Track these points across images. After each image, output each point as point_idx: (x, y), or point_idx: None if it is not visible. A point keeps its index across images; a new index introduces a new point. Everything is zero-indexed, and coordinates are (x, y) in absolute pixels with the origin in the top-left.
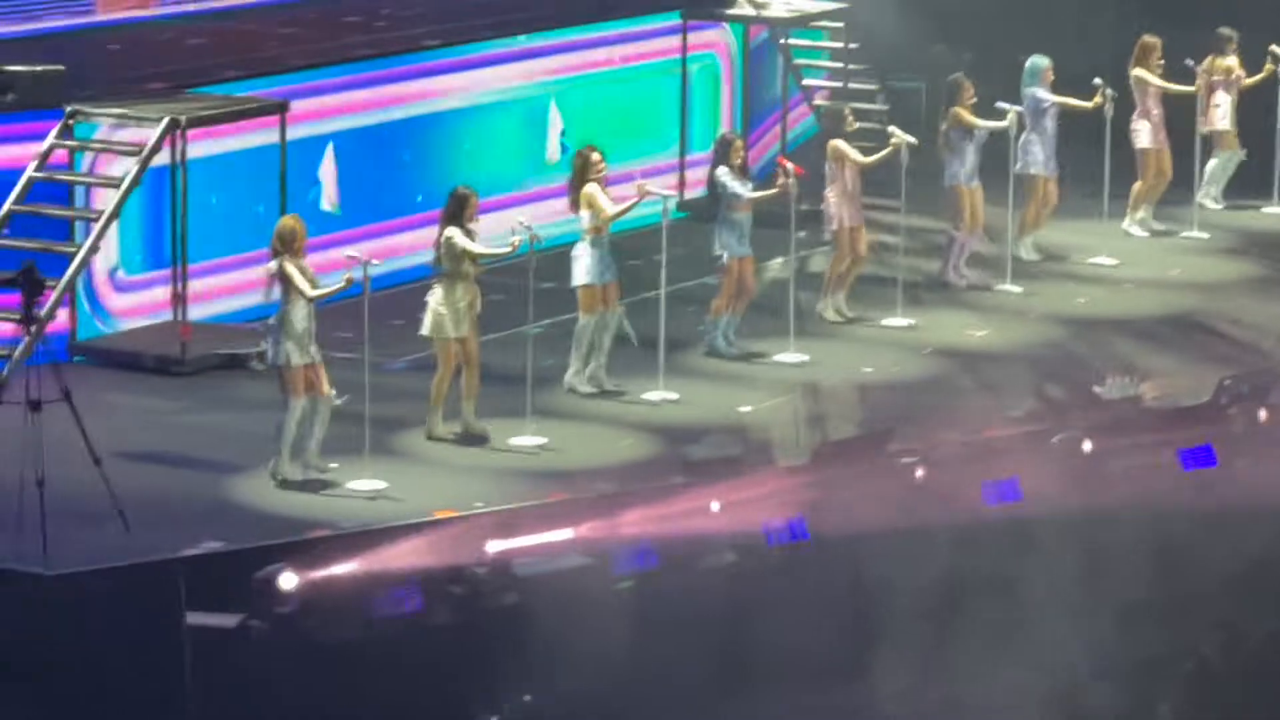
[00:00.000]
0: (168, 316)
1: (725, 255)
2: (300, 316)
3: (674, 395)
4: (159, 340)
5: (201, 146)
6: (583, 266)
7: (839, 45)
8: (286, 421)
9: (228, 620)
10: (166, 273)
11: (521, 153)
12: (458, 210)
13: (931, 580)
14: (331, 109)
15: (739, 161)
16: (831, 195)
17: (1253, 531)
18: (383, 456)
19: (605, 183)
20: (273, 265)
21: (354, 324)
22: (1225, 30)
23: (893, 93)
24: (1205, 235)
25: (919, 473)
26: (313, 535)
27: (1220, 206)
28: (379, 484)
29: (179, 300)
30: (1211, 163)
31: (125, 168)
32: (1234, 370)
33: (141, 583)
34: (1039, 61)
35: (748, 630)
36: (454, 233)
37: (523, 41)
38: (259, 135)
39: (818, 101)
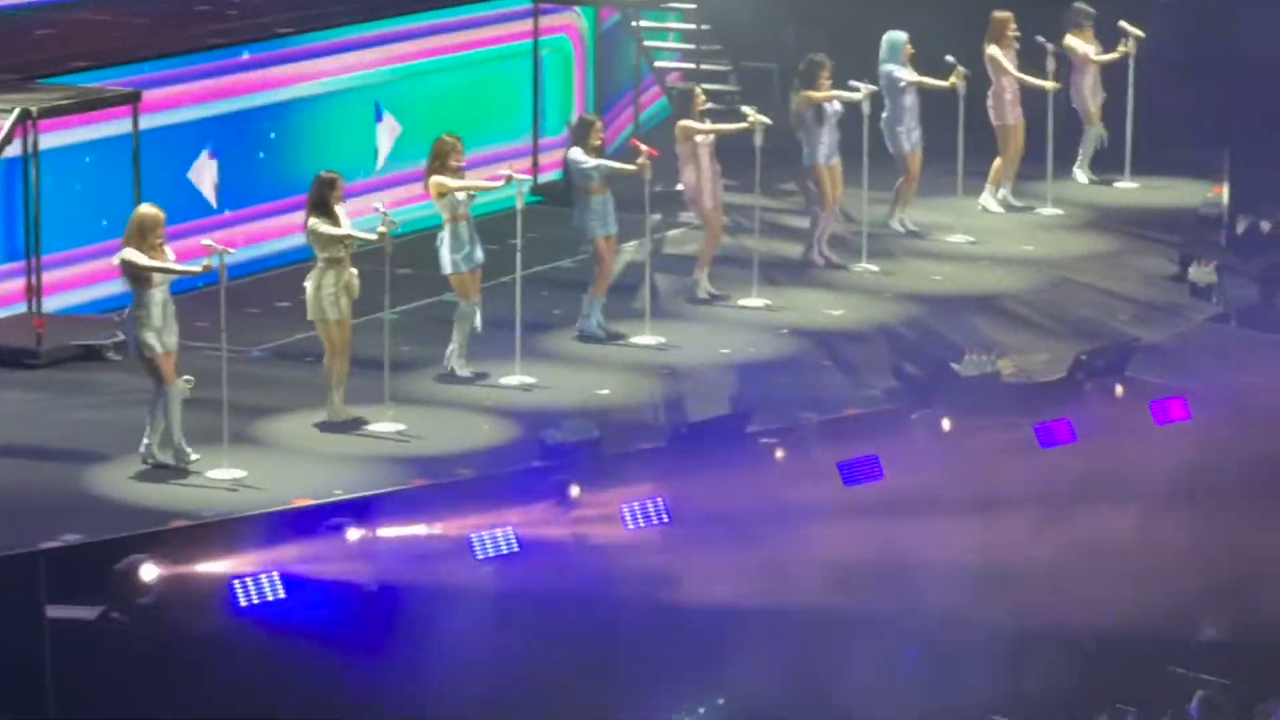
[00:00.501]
0: (22, 309)
1: (588, 238)
2: (156, 304)
3: (532, 379)
4: (14, 332)
5: (54, 137)
6: (445, 254)
7: (691, 27)
8: (170, 406)
9: (88, 612)
10: (20, 265)
11: (374, 138)
12: (323, 195)
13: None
14: (185, 98)
15: (598, 143)
16: (687, 176)
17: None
18: (242, 445)
19: (462, 172)
20: (118, 255)
21: (211, 312)
22: (1082, 6)
23: (745, 74)
24: (1060, 211)
25: (778, 453)
26: (173, 526)
27: (1086, 181)
28: (238, 473)
29: (33, 292)
30: (1086, 137)
31: None
32: (1090, 345)
33: (1, 576)
34: (896, 37)
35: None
36: (316, 221)
37: (376, 27)
38: (112, 125)
39: (670, 84)
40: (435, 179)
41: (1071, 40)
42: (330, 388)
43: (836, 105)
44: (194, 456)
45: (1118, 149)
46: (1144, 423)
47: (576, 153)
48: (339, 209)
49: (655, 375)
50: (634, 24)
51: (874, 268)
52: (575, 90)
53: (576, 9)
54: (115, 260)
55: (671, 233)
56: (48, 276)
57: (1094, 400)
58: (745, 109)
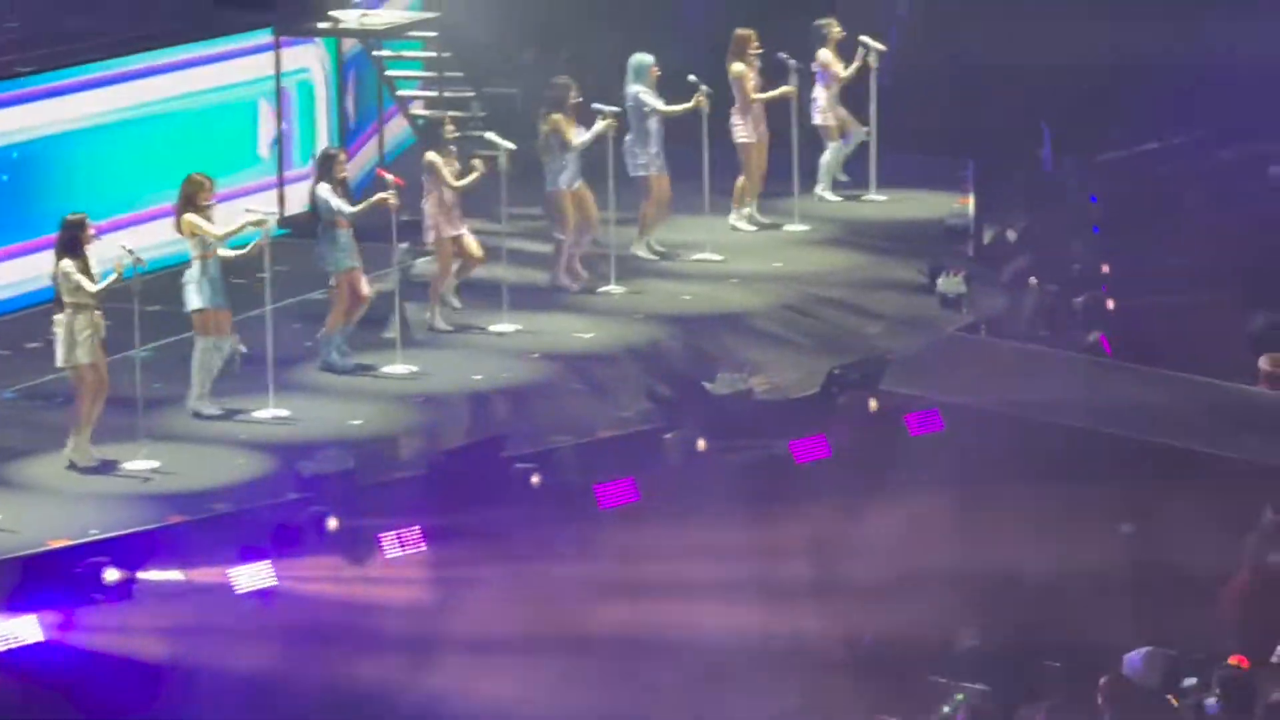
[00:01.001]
0: None
1: (332, 271)
2: None
3: (285, 412)
4: None
5: None
6: (194, 291)
7: (432, 55)
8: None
9: None
10: None
11: (124, 176)
12: (74, 237)
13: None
14: None
15: (341, 176)
16: (428, 206)
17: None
18: None
19: (211, 210)
20: None
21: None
22: (823, 21)
23: (488, 100)
24: (807, 227)
25: (534, 478)
26: None
27: (835, 199)
28: None
29: None
30: (824, 156)
31: None
32: (843, 360)
33: None
34: (642, 59)
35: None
36: (69, 266)
37: (118, 65)
38: None
39: (414, 111)
40: (188, 218)
41: (826, 55)
42: (75, 430)
43: (585, 134)
44: None
45: (863, 163)
46: (899, 434)
47: (324, 189)
48: (89, 250)
49: (409, 404)
50: (375, 54)
51: (621, 289)
52: (319, 122)
53: (318, 41)
54: (58, 268)
55: (420, 260)
56: None
57: (848, 414)
58: (488, 135)
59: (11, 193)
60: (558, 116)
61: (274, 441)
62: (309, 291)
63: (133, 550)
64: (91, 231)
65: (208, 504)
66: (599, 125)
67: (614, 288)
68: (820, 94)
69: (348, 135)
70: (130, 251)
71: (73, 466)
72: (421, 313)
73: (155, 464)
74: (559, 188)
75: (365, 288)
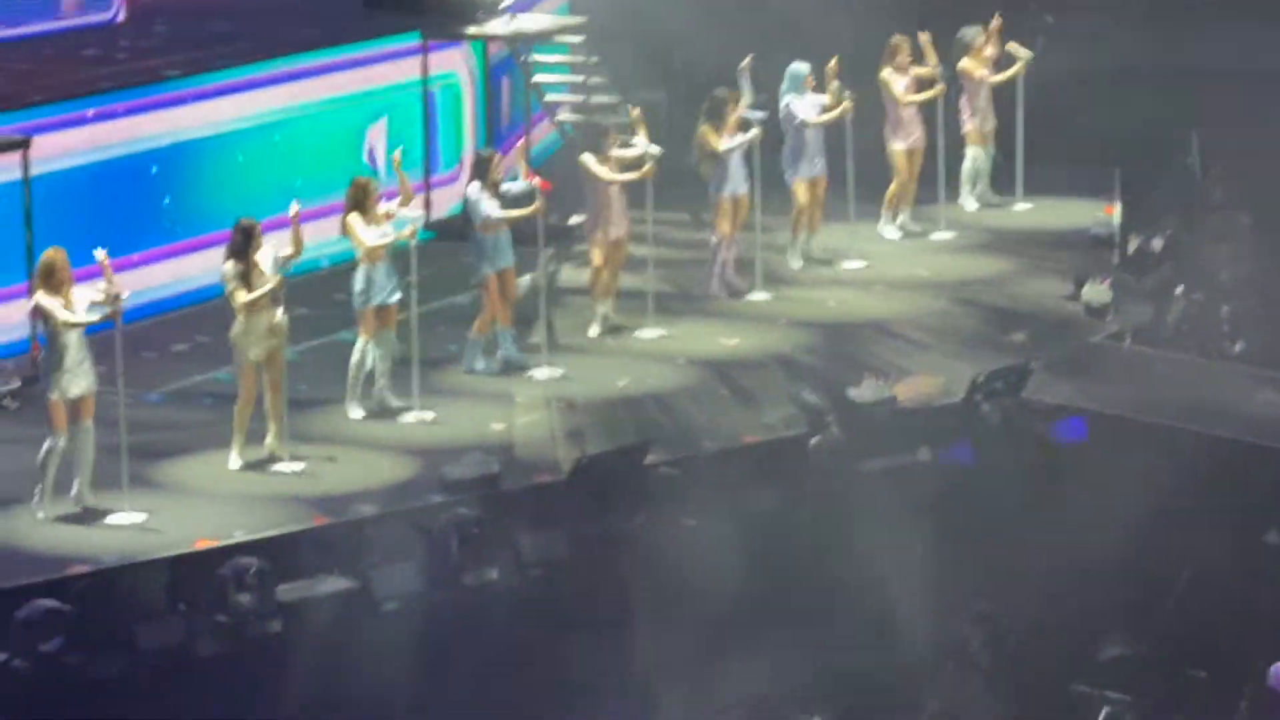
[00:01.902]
0: None
1: (482, 274)
2: (71, 347)
3: (430, 415)
4: None
5: None
6: (357, 290)
7: (579, 59)
8: (47, 457)
9: None
10: None
11: (268, 180)
12: (240, 243)
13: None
14: (76, 142)
15: (497, 178)
16: (592, 211)
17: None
18: (142, 489)
19: (376, 207)
20: (31, 300)
21: (108, 356)
22: (972, 29)
23: (636, 105)
24: (953, 234)
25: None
26: (73, 572)
27: (976, 207)
28: (138, 516)
29: None
30: (965, 163)
31: None
32: (986, 367)
33: None
34: (798, 69)
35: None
36: (229, 270)
37: (264, 68)
38: (3, 171)
39: (561, 116)
40: (349, 220)
41: (967, 63)
42: (234, 432)
43: (732, 141)
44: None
45: (1009, 171)
46: (1043, 443)
47: (474, 190)
48: (259, 255)
49: (554, 408)
50: (522, 59)
51: (766, 295)
52: (466, 126)
53: (466, 45)
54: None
55: (567, 265)
56: None
57: (992, 422)
58: (635, 140)
59: (156, 198)
60: (705, 126)
61: (418, 445)
62: (452, 295)
63: (277, 551)
64: (260, 238)
65: (352, 506)
66: (748, 134)
67: (760, 294)
68: (964, 102)
69: (494, 140)
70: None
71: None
72: (568, 317)
73: (300, 466)
74: (722, 194)
75: (512, 288)
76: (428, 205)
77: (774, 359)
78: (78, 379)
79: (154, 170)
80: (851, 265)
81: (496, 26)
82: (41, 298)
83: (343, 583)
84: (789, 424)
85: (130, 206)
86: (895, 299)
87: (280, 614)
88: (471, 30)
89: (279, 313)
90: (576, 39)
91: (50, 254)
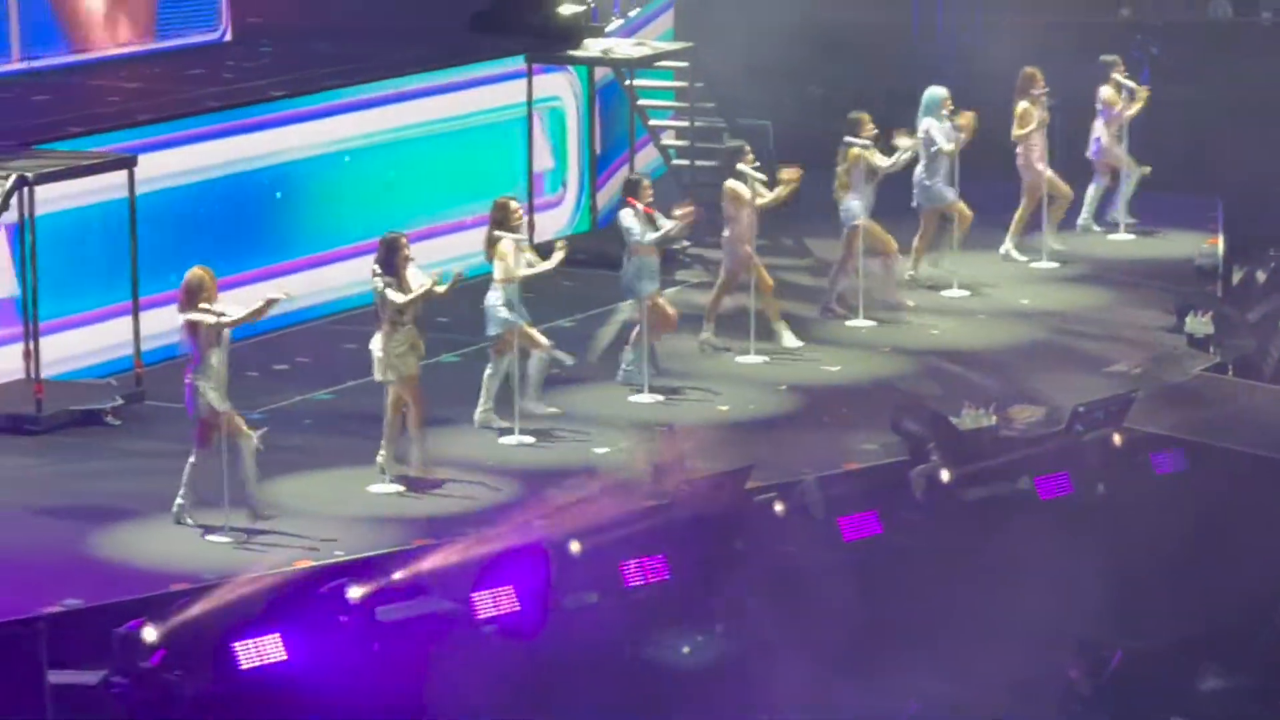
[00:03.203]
0: (20, 375)
1: (632, 298)
2: (218, 362)
3: (530, 439)
4: (13, 398)
5: (51, 203)
6: (493, 315)
7: (684, 85)
8: (192, 472)
9: (90, 677)
10: (18, 330)
11: (377, 200)
12: (388, 257)
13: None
14: (182, 162)
15: (649, 199)
16: (732, 233)
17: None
18: (243, 507)
19: (517, 230)
20: (181, 317)
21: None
22: (1107, 58)
23: (739, 131)
24: (1055, 264)
25: (777, 508)
26: (173, 589)
27: (1098, 229)
28: (239, 535)
29: (31, 357)
30: (1090, 190)
31: None
32: (1088, 397)
33: (2, 643)
34: (937, 93)
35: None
36: (379, 282)
37: (370, 90)
38: (109, 190)
39: (665, 141)
40: (503, 245)
41: (1108, 92)
42: (385, 441)
43: (882, 162)
44: (270, 515)
45: (1112, 201)
46: (1143, 473)
47: (627, 215)
48: (407, 271)
49: (656, 433)
50: (627, 83)
51: (869, 323)
52: (570, 149)
53: (570, 69)
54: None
55: (667, 290)
56: (46, 341)
57: (1092, 452)
58: (741, 166)
59: (260, 218)
60: (856, 151)
61: (520, 468)
62: (558, 318)
63: (376, 572)
64: (406, 251)
65: (453, 529)
66: (903, 154)
67: (862, 321)
68: (1100, 130)
69: (598, 163)
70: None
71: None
72: (669, 342)
73: (401, 487)
74: (857, 221)
75: (670, 309)
76: (531, 228)
77: (876, 386)
78: (225, 395)
79: (258, 191)
80: (954, 294)
81: (601, 51)
82: (191, 313)
83: (443, 604)
84: (890, 452)
85: (234, 226)
86: (997, 328)
87: (380, 634)
88: (576, 54)
89: (414, 330)
90: (682, 64)
91: (197, 271)
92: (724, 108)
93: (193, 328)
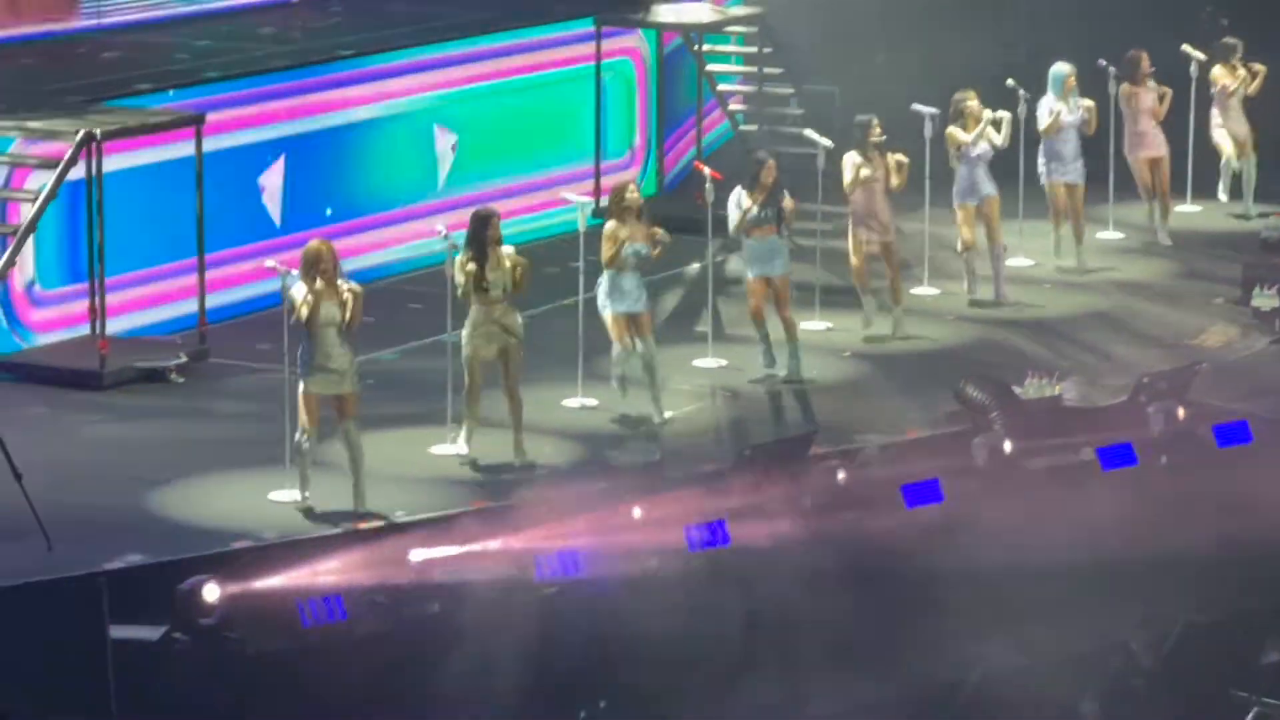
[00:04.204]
0: (86, 330)
1: (748, 275)
2: (324, 343)
3: (593, 401)
4: (77, 355)
5: (118, 159)
6: (600, 297)
7: (753, 50)
8: (296, 450)
9: (151, 633)
10: (84, 286)
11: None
12: (473, 234)
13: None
14: (250, 120)
15: (768, 182)
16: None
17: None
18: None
19: (638, 215)
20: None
21: (274, 335)
22: (1229, 40)
23: (807, 97)
24: (1121, 234)
25: (840, 475)
26: (235, 546)
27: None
28: (300, 495)
29: (97, 314)
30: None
31: (41, 181)
32: (1151, 369)
33: (64, 597)
34: (1059, 69)
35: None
36: (458, 261)
37: (438, 50)
38: (177, 148)
39: (733, 106)
40: (609, 227)
41: (1220, 73)
42: (468, 417)
43: (984, 146)
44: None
45: (1181, 172)
46: (1207, 445)
47: (735, 195)
48: (502, 249)
49: (718, 398)
50: (695, 48)
51: (934, 290)
52: (638, 113)
53: (639, 32)
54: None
55: (734, 255)
56: (112, 298)
57: (1157, 422)
58: (806, 132)
59: (335, 174)
60: (952, 128)
61: (582, 430)
62: None
63: (434, 533)
64: (496, 231)
65: (513, 490)
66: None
67: (927, 289)
68: (1215, 111)
69: (666, 128)
70: (446, 235)
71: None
72: (732, 308)
73: (464, 449)
74: (964, 200)
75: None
76: (597, 192)
77: (939, 353)
78: (328, 377)
79: (326, 147)
80: (1020, 263)
81: (671, 15)
82: (290, 287)
83: (503, 567)
84: (953, 419)
85: (299, 185)
86: (1063, 298)
87: (438, 595)
88: (646, 18)
89: (513, 312)
90: (751, 29)
91: (314, 244)
92: (792, 74)
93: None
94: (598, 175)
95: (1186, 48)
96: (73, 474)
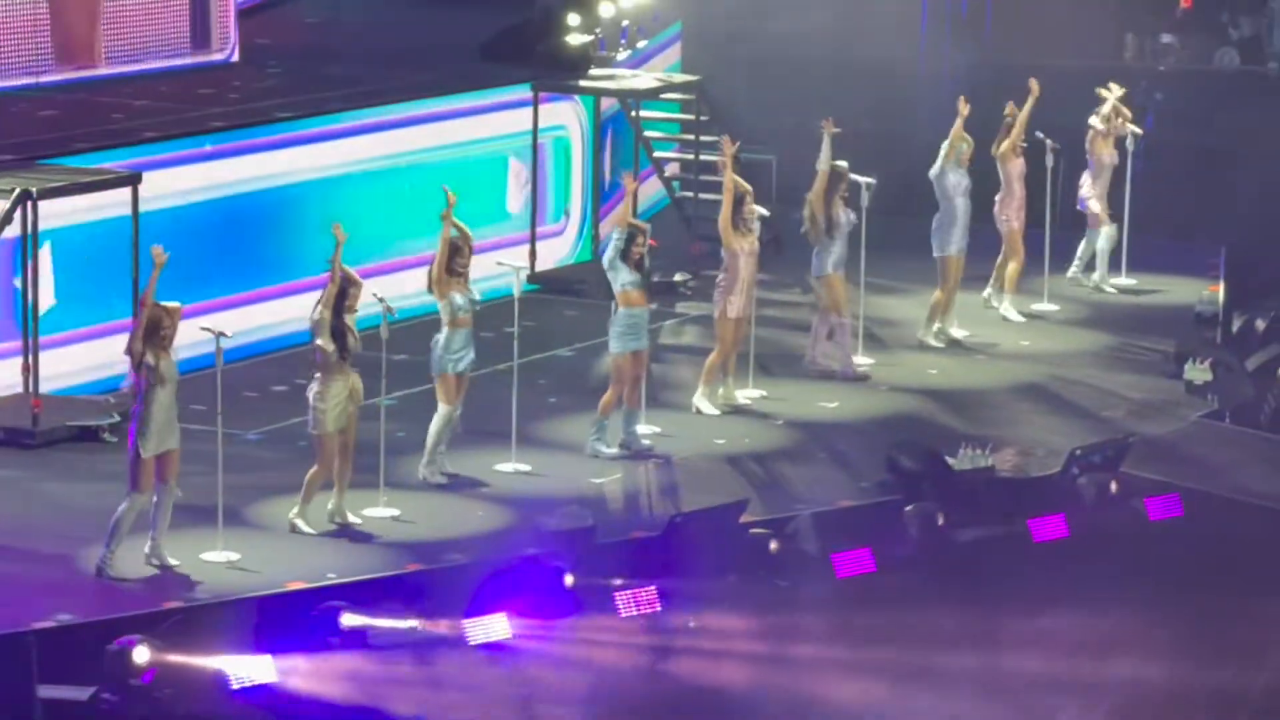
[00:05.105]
0: (19, 389)
1: (613, 352)
2: (163, 405)
3: (527, 466)
4: (10, 412)
5: (55, 218)
6: (437, 355)
7: (689, 117)
8: (124, 515)
9: (80, 693)
10: (17, 344)
11: (373, 224)
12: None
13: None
14: (185, 181)
15: (638, 255)
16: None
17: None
18: (236, 528)
19: (466, 273)
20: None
21: (207, 396)
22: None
23: (744, 165)
24: (1055, 307)
25: (772, 544)
26: (166, 607)
27: (1088, 284)
28: (232, 555)
29: (30, 372)
30: (1101, 242)
31: None
32: (1085, 440)
33: None
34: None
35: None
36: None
37: (374, 114)
38: (113, 207)
39: (669, 173)
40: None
41: (1098, 142)
42: (302, 498)
43: (851, 215)
44: (173, 562)
45: (1115, 246)
46: (1138, 518)
47: (607, 261)
48: (348, 318)
49: (651, 465)
50: (633, 114)
51: (868, 360)
52: (574, 179)
53: (576, 98)
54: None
55: (668, 323)
56: (45, 356)
57: (1088, 496)
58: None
59: (266, 237)
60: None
61: (515, 495)
62: (556, 348)
63: (369, 596)
64: (354, 301)
65: (445, 554)
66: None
67: (861, 359)
68: (1085, 179)
69: (602, 194)
70: (381, 300)
71: (294, 529)
72: (665, 373)
73: (395, 511)
74: (827, 271)
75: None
76: (533, 257)
77: (873, 424)
78: (166, 437)
79: (259, 211)
80: (955, 334)
81: (608, 81)
82: (142, 347)
83: (433, 630)
84: (885, 489)
85: (236, 246)
86: (996, 369)
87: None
88: (583, 84)
89: (353, 377)
90: (688, 96)
91: (155, 309)
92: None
93: (138, 363)
94: (533, 240)
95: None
96: (4, 531)
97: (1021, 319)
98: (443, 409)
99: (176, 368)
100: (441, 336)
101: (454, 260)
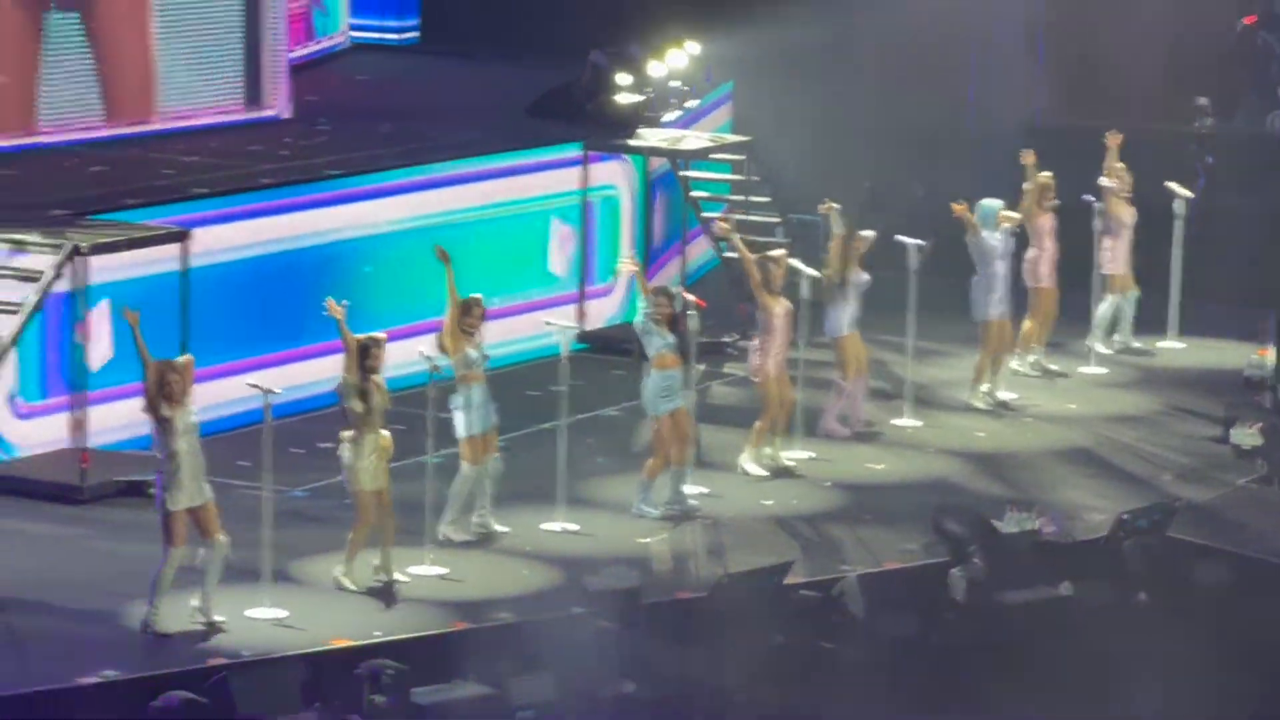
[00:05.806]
0: (67, 444)
1: (652, 413)
2: (185, 458)
3: (574, 526)
4: (58, 467)
5: (105, 273)
6: (459, 416)
7: (739, 178)
8: (164, 571)
9: None
10: (66, 399)
11: (420, 281)
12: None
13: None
14: (236, 237)
15: (666, 314)
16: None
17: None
18: (283, 584)
19: (478, 330)
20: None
21: (254, 452)
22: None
23: (793, 226)
24: (1104, 370)
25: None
26: (211, 663)
27: (1110, 351)
28: (279, 612)
29: (78, 427)
30: (1101, 305)
31: (24, 294)
32: (1132, 505)
33: (41, 712)
34: (991, 205)
35: None
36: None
37: (425, 172)
38: (162, 263)
39: (717, 234)
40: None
41: (1115, 205)
42: (346, 558)
43: (864, 275)
44: (219, 619)
45: (1163, 309)
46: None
47: (639, 324)
48: (375, 378)
49: (698, 525)
50: (682, 173)
51: (916, 422)
52: (623, 238)
53: (626, 157)
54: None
55: (717, 384)
56: (97, 411)
57: (1136, 560)
58: (793, 262)
59: (314, 294)
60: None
61: (561, 554)
62: (603, 407)
63: (414, 654)
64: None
65: (491, 612)
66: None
67: (909, 421)
68: (1106, 243)
69: (651, 254)
70: (428, 358)
71: (339, 586)
72: (716, 434)
73: (443, 570)
74: (843, 333)
75: (688, 428)
76: (582, 317)
77: (919, 486)
78: (193, 491)
79: (307, 267)
80: (1003, 397)
81: (658, 141)
82: (160, 409)
83: (479, 689)
84: (931, 552)
85: (285, 302)
86: (1044, 433)
87: (415, 717)
88: (633, 144)
89: (384, 435)
90: (739, 157)
91: (158, 365)
92: (779, 202)
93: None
94: (582, 300)
95: (1171, 184)
96: (51, 586)
97: (1035, 373)
98: (465, 469)
99: (194, 419)
100: (460, 397)
101: (464, 320)
